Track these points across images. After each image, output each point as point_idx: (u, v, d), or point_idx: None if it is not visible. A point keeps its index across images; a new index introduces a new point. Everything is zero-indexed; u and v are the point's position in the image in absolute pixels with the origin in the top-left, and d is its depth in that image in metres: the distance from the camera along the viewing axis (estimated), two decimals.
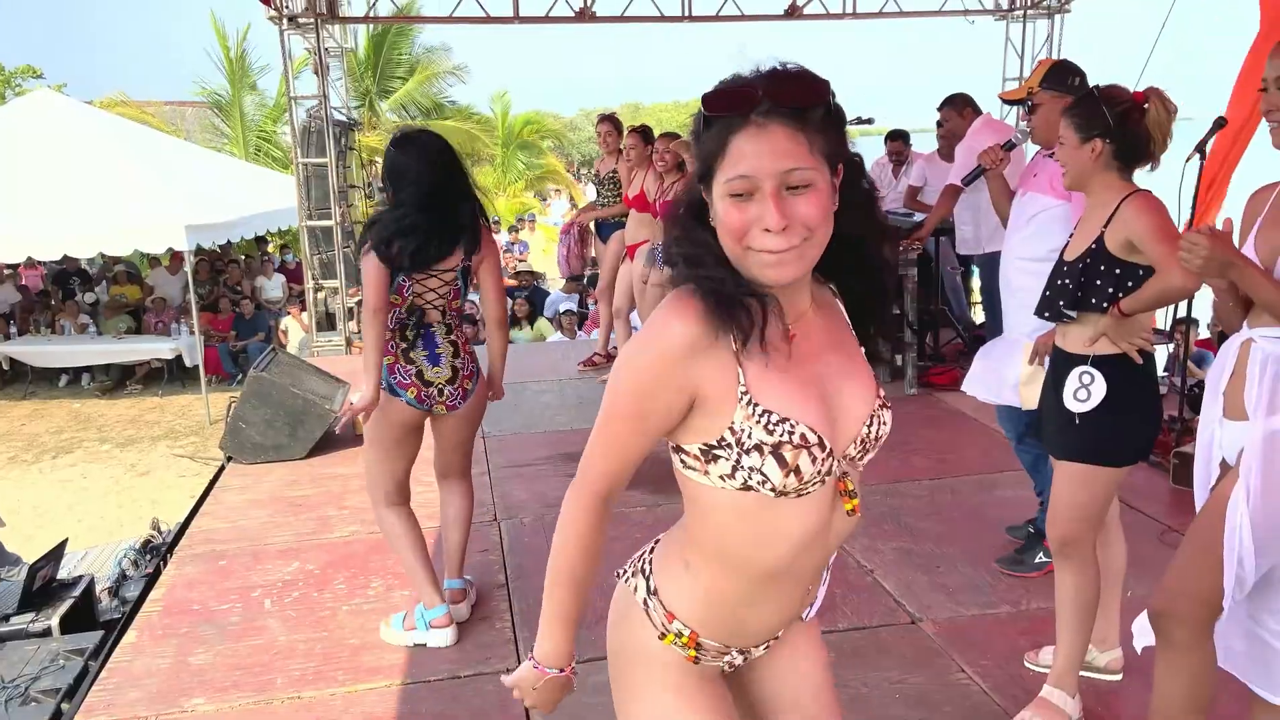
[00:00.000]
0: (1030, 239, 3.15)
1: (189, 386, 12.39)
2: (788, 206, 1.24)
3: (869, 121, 5.93)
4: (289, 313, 12.61)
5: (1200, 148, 4.09)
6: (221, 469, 5.21)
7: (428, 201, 2.96)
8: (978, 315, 7.47)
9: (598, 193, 6.52)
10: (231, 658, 3.26)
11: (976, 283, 7.33)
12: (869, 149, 3.67)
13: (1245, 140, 5.56)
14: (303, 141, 9.00)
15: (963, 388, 3.54)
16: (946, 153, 6.84)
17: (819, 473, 1.34)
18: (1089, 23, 9.10)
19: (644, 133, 6.07)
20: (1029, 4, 9.37)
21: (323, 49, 8.65)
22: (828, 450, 1.34)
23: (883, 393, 1.46)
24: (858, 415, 1.40)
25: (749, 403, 1.32)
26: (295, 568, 3.93)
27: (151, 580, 3.92)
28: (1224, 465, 2.12)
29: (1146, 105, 2.46)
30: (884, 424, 1.44)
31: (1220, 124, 4.27)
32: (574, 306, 10.64)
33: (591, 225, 6.75)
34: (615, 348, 7.00)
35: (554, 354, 7.31)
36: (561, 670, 1.51)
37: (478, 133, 23.89)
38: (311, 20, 8.55)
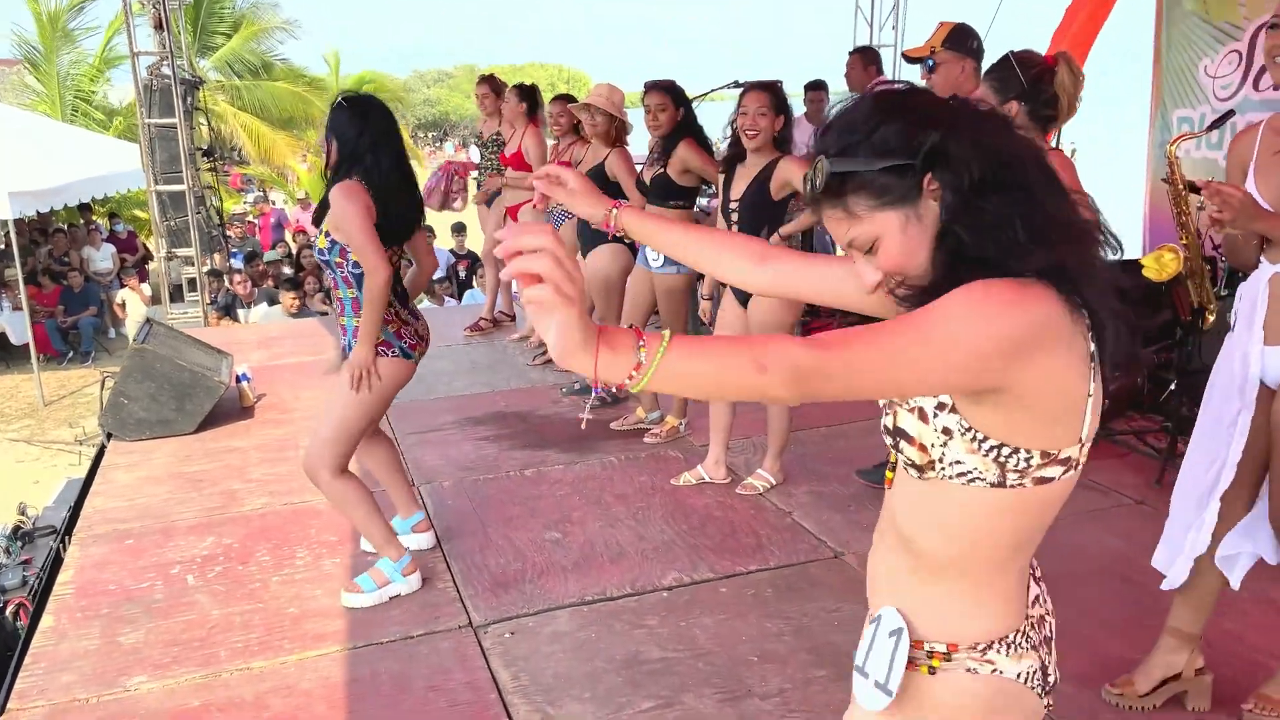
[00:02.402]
0: None
1: (13, 366, 11.53)
2: None
3: (737, 85, 6.12)
4: (126, 284, 11.88)
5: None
6: (103, 448, 4.94)
7: (406, 165, 3.08)
8: None
9: (481, 155, 6.46)
10: (165, 635, 3.16)
11: None
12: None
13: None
14: (145, 101, 8.46)
15: None
16: (814, 115, 7.14)
17: None
18: None
19: (522, 91, 6.02)
20: None
21: (166, 2, 8.14)
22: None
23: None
24: None
25: None
26: (211, 542, 3.81)
27: (54, 564, 3.72)
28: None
29: (1056, 69, 2.70)
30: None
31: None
32: (442, 273, 10.47)
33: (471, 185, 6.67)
34: (502, 312, 6.98)
35: (437, 320, 7.19)
36: None
37: (310, 95, 22.74)
38: None
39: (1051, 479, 1.19)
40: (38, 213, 11.19)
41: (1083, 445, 1.20)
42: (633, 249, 4.86)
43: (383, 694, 2.83)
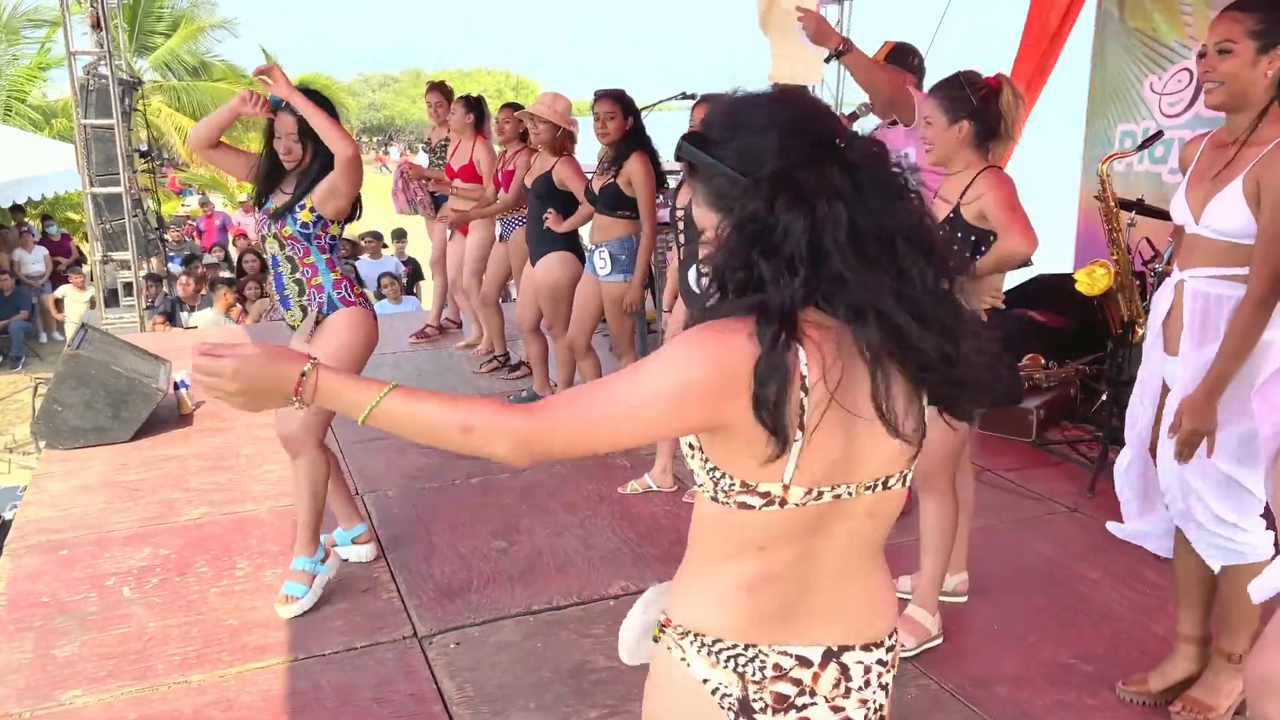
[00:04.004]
0: None
1: None
2: None
3: (692, 97, 6.18)
4: (70, 281, 11.62)
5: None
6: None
7: None
8: None
9: (429, 162, 6.44)
10: (100, 648, 3.09)
11: None
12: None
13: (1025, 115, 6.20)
14: (82, 101, 8.27)
15: None
16: None
17: None
18: (877, 6, 9.75)
19: (468, 102, 6.00)
20: None
21: (104, 1, 7.97)
22: None
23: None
24: None
25: None
26: (148, 553, 3.73)
27: None
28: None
29: (1000, 91, 2.78)
30: None
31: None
32: (394, 270, 10.36)
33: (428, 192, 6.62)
34: (448, 319, 6.95)
35: (381, 327, 7.13)
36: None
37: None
38: None
39: (752, 507, 1.24)
40: None
41: (787, 486, 1.22)
42: (581, 257, 4.88)
43: (326, 707, 2.80)
